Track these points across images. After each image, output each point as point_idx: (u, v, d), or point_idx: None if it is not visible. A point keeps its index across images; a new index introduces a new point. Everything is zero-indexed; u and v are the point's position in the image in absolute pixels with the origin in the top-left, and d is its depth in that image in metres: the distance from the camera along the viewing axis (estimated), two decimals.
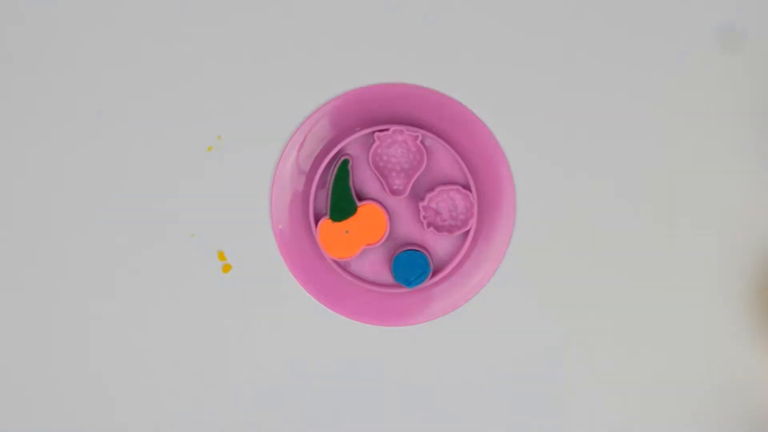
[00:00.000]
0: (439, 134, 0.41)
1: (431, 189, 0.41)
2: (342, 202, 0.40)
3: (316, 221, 0.41)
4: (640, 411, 0.42)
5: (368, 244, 0.40)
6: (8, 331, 0.42)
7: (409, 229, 0.42)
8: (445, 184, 0.41)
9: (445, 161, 0.41)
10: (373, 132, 0.40)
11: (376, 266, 0.41)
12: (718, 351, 0.42)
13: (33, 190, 0.43)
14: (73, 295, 0.42)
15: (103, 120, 0.43)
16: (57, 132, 0.43)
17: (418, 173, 0.41)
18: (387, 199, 0.41)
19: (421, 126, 0.41)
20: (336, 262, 0.41)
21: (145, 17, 0.43)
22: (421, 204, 0.41)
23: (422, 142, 0.41)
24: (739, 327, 0.42)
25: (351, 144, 0.41)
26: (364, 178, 0.41)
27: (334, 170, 0.40)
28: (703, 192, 0.42)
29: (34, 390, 0.42)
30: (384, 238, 0.40)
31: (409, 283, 0.40)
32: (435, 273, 0.41)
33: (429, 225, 0.41)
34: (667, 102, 0.42)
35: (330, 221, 0.40)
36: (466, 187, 0.41)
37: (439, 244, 0.41)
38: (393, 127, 0.40)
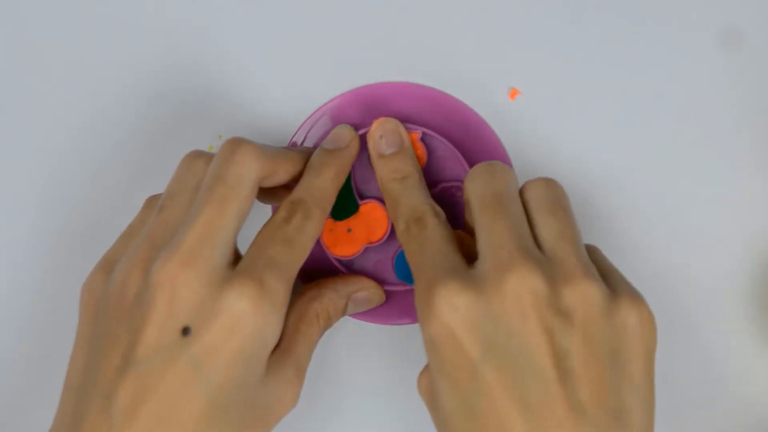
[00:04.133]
0: (439, 131, 0.41)
1: (432, 186, 0.41)
2: (343, 200, 0.40)
3: None
4: None
5: (370, 242, 0.40)
6: None
7: None
8: (446, 181, 0.41)
9: (445, 159, 0.41)
10: None
11: (378, 264, 0.41)
12: (717, 351, 0.42)
13: (30, 193, 0.43)
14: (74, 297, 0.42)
15: (102, 120, 0.43)
16: (55, 131, 0.43)
17: None
18: None
19: (421, 124, 0.41)
20: (338, 260, 0.41)
21: (145, 17, 0.43)
22: None
23: (423, 139, 0.41)
24: (738, 327, 0.42)
25: None
26: (365, 176, 0.41)
27: None
28: (703, 192, 0.42)
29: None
30: (386, 236, 0.40)
31: (411, 281, 0.40)
32: None
33: None
34: (666, 103, 0.42)
35: (332, 220, 0.40)
36: None
37: None
38: None
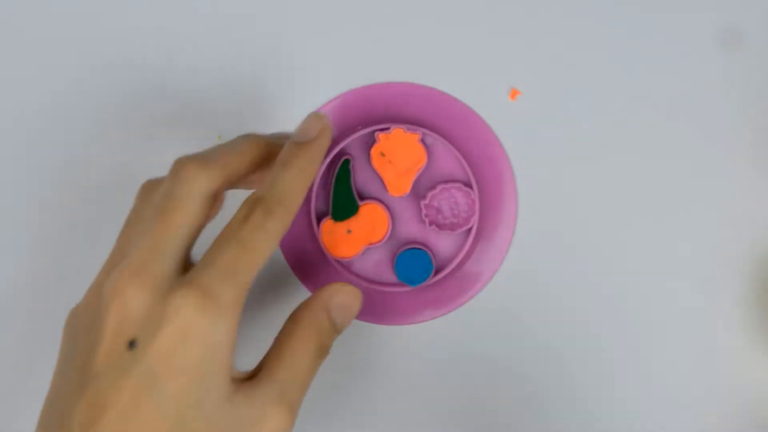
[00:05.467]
0: (439, 132, 0.41)
1: (432, 187, 0.41)
2: (344, 201, 0.40)
3: (318, 221, 0.41)
4: (641, 408, 0.42)
5: (370, 243, 0.41)
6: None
7: (411, 228, 0.42)
8: (446, 182, 0.41)
9: (446, 159, 0.41)
10: (374, 131, 0.40)
11: (378, 265, 0.41)
12: (717, 352, 0.42)
13: (27, 195, 0.43)
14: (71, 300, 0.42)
15: (101, 120, 0.43)
16: (53, 131, 0.43)
17: (419, 172, 0.41)
18: (388, 198, 0.41)
19: (421, 124, 0.41)
20: (339, 261, 0.41)
21: (145, 17, 0.43)
22: (422, 202, 0.41)
23: (423, 140, 0.41)
24: (738, 328, 0.42)
25: (352, 143, 0.41)
26: (365, 177, 0.41)
27: (336, 170, 0.40)
28: (703, 192, 0.42)
29: None
30: (386, 237, 0.41)
31: (411, 282, 0.41)
32: (437, 271, 0.41)
33: (431, 223, 0.41)
34: (666, 102, 0.42)
35: (332, 221, 0.40)
36: (468, 184, 0.41)
37: (441, 242, 0.42)
38: (393, 126, 0.40)
